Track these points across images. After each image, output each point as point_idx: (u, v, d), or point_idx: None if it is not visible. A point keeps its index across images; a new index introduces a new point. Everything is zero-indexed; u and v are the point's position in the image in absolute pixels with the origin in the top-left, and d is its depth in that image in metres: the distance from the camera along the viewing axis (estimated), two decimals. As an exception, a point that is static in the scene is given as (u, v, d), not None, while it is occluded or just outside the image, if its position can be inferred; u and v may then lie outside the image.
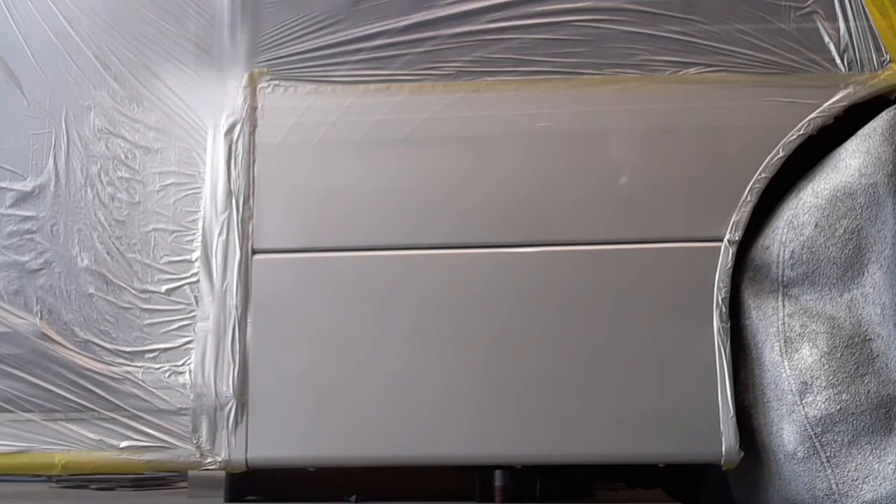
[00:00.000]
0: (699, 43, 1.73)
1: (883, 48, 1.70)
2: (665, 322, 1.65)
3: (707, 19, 1.74)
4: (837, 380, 1.56)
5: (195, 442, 1.71)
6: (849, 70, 1.70)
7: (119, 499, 3.61)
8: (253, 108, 1.78)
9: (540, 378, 1.65)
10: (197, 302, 1.74)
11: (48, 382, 1.74)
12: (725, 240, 1.65)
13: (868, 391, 1.55)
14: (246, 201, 1.75)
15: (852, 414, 1.54)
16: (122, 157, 1.80)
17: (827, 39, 1.71)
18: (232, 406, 1.69)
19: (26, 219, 1.80)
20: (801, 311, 1.61)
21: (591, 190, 1.70)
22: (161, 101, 1.81)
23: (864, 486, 1.54)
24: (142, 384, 1.73)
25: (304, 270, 1.72)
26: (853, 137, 1.64)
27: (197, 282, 1.74)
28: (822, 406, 1.55)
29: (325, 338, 1.69)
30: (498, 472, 2.41)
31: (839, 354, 1.57)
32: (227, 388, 1.69)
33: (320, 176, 1.74)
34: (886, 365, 1.56)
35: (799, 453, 1.57)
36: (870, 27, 1.71)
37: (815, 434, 1.56)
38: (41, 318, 1.76)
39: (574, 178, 1.70)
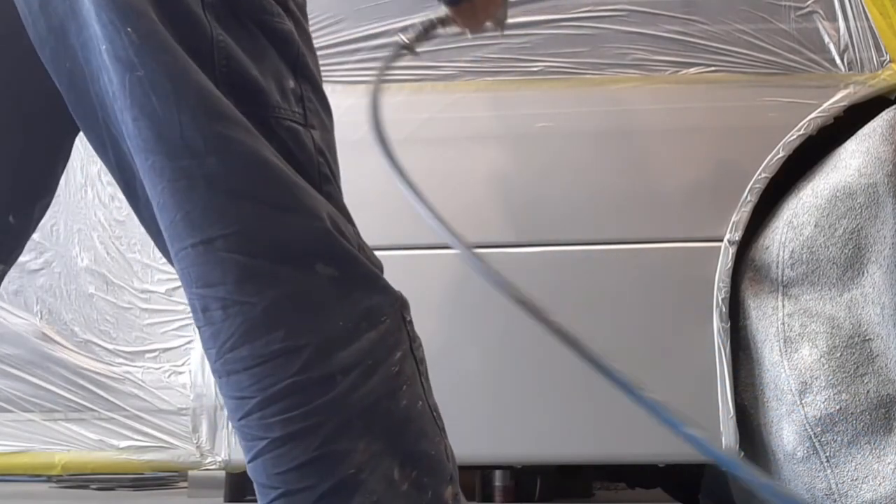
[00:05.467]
0: (699, 43, 1.73)
1: (883, 48, 1.70)
2: (665, 322, 1.65)
3: (707, 19, 1.74)
4: (837, 380, 1.56)
5: (195, 442, 1.71)
6: (849, 70, 1.70)
7: (119, 499, 3.61)
8: (253, 108, 1.77)
9: (540, 378, 1.65)
10: (197, 302, 1.74)
11: (48, 382, 1.74)
12: (725, 240, 1.65)
13: (868, 391, 1.55)
14: (246, 201, 1.75)
15: (852, 414, 1.54)
16: (122, 157, 1.80)
17: (827, 39, 1.71)
18: (232, 406, 1.69)
19: (26, 219, 1.80)
20: (801, 311, 1.61)
21: (590, 190, 1.70)
22: (161, 101, 1.81)
23: (864, 485, 1.54)
24: (142, 384, 1.73)
25: (304, 270, 1.72)
26: (853, 137, 1.64)
27: (197, 282, 1.74)
28: (822, 406, 1.55)
29: (325, 338, 1.69)
30: (498, 472, 2.41)
31: (839, 354, 1.57)
32: (227, 388, 1.69)
33: (320, 176, 1.73)
34: (886, 365, 1.56)
35: (798, 453, 1.57)
36: (870, 27, 1.71)
37: (814, 434, 1.56)
38: (41, 318, 1.76)
39: (574, 178, 1.70)
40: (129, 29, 0.70)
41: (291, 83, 0.79)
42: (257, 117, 0.75)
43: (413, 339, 0.82)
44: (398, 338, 0.79)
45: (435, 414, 0.81)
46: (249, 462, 0.75)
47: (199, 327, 0.75)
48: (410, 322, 0.82)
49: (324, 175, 0.80)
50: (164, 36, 0.71)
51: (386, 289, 0.80)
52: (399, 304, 0.81)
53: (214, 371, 0.75)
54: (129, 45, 0.70)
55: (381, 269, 0.82)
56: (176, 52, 0.71)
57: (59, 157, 0.99)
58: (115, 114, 0.74)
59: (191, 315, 1.77)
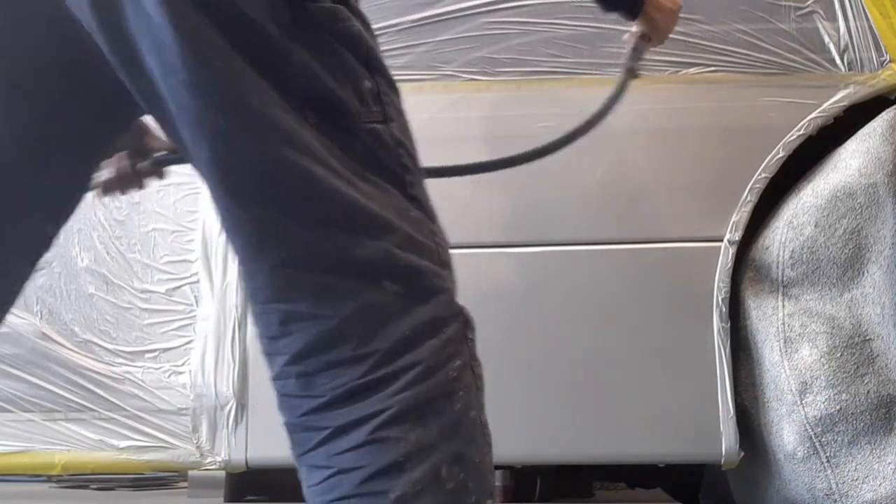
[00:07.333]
0: (699, 43, 1.73)
1: (883, 48, 1.70)
2: (665, 322, 1.65)
3: (707, 19, 1.73)
4: (837, 380, 1.56)
5: (195, 442, 1.71)
6: (849, 70, 1.70)
7: (119, 499, 3.62)
8: (253, 108, 1.77)
9: (540, 378, 1.65)
10: (197, 302, 1.74)
11: (48, 382, 1.74)
12: (725, 240, 1.65)
13: (868, 391, 1.55)
14: (246, 201, 1.75)
15: (852, 414, 1.54)
16: (122, 157, 1.80)
17: (827, 39, 1.71)
18: (232, 406, 1.69)
19: (26, 219, 1.79)
20: (801, 311, 1.61)
21: (591, 190, 1.70)
22: (161, 101, 1.81)
23: (864, 485, 1.54)
24: (142, 384, 1.73)
25: (304, 270, 1.72)
26: (853, 137, 1.64)
27: (197, 282, 1.74)
28: (822, 406, 1.55)
29: (325, 338, 1.69)
30: (498, 472, 2.41)
31: (839, 354, 1.57)
32: (227, 388, 1.69)
33: (320, 176, 1.73)
34: (886, 365, 1.56)
35: (799, 453, 1.57)
36: (870, 27, 1.71)
37: (814, 434, 1.56)
38: (41, 318, 1.76)
39: (574, 177, 1.70)
40: (218, 63, 0.74)
41: (367, 83, 0.83)
42: (339, 127, 0.80)
43: (473, 358, 0.86)
44: (458, 348, 0.83)
45: (486, 430, 0.85)
46: (310, 451, 0.80)
47: (270, 337, 0.81)
48: (473, 341, 0.87)
49: (404, 166, 0.87)
50: (247, 68, 0.75)
51: (449, 304, 0.85)
52: (462, 321, 0.86)
53: (281, 374, 0.81)
54: (214, 79, 0.75)
55: (449, 266, 0.88)
56: (258, 83, 0.76)
57: (93, 162, 1.00)
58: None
59: (191, 315, 1.77)
